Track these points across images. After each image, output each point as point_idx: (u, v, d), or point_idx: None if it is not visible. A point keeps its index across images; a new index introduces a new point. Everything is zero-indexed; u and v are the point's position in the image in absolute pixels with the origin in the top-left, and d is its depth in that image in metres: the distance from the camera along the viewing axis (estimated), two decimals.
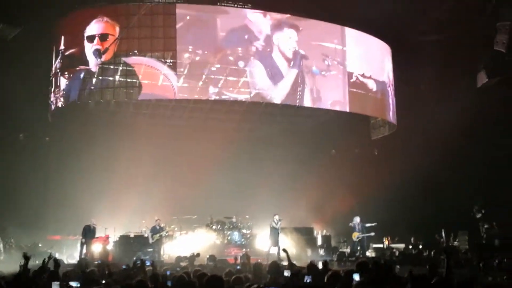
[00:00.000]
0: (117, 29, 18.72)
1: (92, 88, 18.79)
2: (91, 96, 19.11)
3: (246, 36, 19.76)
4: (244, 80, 19.39)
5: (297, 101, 20.20)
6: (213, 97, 19.45)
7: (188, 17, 19.18)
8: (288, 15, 20.41)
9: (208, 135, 21.85)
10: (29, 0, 18.04)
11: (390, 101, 22.62)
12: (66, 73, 19.23)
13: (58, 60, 19.47)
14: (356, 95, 21.17)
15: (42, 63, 19.50)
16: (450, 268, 6.41)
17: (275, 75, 19.69)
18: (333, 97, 21.05)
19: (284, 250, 10.27)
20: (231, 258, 16.09)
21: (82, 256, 16.55)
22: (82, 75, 18.82)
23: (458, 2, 20.34)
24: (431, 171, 20.56)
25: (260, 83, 19.58)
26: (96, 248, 17.23)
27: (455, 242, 18.55)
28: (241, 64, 19.43)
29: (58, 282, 6.82)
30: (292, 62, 20.05)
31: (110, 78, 18.67)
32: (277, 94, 19.89)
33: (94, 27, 18.90)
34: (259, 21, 19.98)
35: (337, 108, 21.22)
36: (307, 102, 20.46)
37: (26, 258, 7.96)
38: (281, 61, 19.96)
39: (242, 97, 19.69)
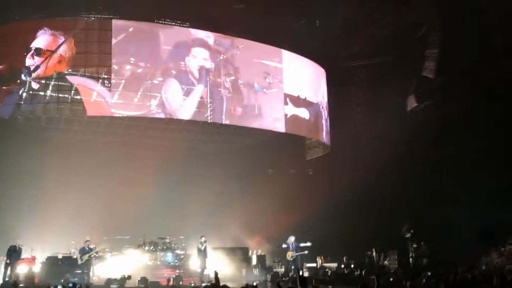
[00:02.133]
0: (56, 43, 18.17)
1: (22, 103, 18.10)
2: (21, 112, 18.37)
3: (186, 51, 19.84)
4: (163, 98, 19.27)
5: (209, 117, 20.04)
6: (148, 115, 19.21)
7: (130, 29, 19.03)
8: (228, 36, 20.57)
9: (143, 153, 21.52)
10: None
11: (324, 122, 23.12)
12: None
13: None
14: (292, 116, 21.50)
15: None
16: None
17: (187, 92, 19.67)
18: (274, 114, 21.25)
19: (215, 273, 10.18)
20: (163, 280, 15.83)
21: (6, 279, 15.77)
22: (12, 94, 18.12)
23: (388, 29, 21.19)
24: (364, 191, 21.13)
25: (173, 100, 19.47)
26: (22, 269, 16.45)
27: (385, 262, 19.00)
28: (162, 81, 19.32)
29: None
30: (199, 79, 19.98)
31: (41, 93, 18.07)
32: (185, 110, 19.73)
33: (36, 41, 18.26)
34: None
35: (278, 125, 21.35)
36: (231, 120, 20.47)
37: None
38: (191, 78, 19.92)
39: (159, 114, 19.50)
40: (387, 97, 22.50)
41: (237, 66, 20.65)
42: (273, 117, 21.26)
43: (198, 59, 19.98)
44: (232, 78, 20.52)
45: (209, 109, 19.86)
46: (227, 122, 20.47)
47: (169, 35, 19.75)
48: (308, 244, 18.57)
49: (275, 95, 21.30)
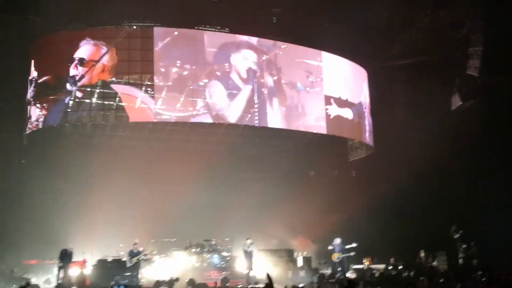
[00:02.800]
0: (100, 52, 18.57)
1: (69, 110, 18.56)
2: (68, 119, 18.85)
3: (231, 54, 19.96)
4: (208, 101, 19.41)
5: (256, 120, 20.06)
6: (191, 120, 19.42)
7: (176, 32, 19.32)
8: (269, 40, 20.64)
9: (186, 157, 21.75)
10: (3, 24, 17.89)
11: (367, 123, 22.91)
12: (40, 102, 18.90)
13: (32, 88, 19.17)
14: (334, 117, 21.37)
15: (17, 85, 19.25)
16: None
17: (232, 95, 19.73)
18: (317, 113, 21.15)
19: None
20: (210, 282, 15.95)
21: (59, 281, 16.18)
22: (57, 104, 18.58)
23: (432, 27, 20.93)
24: (409, 191, 20.83)
25: (219, 103, 19.57)
26: (73, 272, 16.86)
27: (434, 263, 18.66)
28: (207, 83, 19.47)
29: None
30: (246, 81, 20.02)
31: (87, 101, 18.50)
32: (233, 112, 19.76)
33: (79, 51, 18.70)
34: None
35: (321, 124, 21.28)
36: (275, 122, 20.44)
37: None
38: (239, 80, 19.96)
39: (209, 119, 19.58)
40: (430, 97, 22.21)
41: (279, 66, 20.67)
42: (316, 116, 21.12)
43: (248, 60, 20.12)
44: (275, 78, 20.55)
45: (256, 112, 19.94)
46: (273, 125, 20.45)
47: (213, 37, 19.98)
48: (354, 245, 18.40)
49: (317, 94, 21.21)
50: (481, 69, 20.78)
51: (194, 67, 19.32)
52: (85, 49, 18.80)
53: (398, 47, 22.39)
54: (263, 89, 20.21)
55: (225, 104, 19.56)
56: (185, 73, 19.20)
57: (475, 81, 21.22)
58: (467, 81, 21.57)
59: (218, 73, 19.63)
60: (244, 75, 19.98)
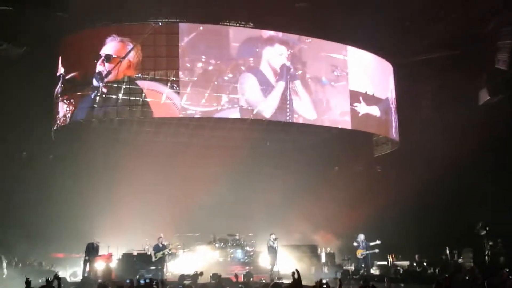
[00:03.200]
0: (125, 49, 18.77)
1: (95, 106, 18.86)
2: (94, 115, 19.14)
3: (256, 49, 19.99)
4: (238, 96, 19.49)
5: (288, 116, 20.11)
6: (215, 115, 19.51)
7: (201, 28, 19.50)
8: (293, 35, 20.57)
9: (211, 153, 21.91)
10: (32, 21, 18.19)
11: (393, 118, 22.69)
12: (67, 98, 19.29)
13: (59, 84, 19.54)
14: (360, 112, 21.21)
15: (45, 81, 19.59)
16: None
17: (265, 90, 19.77)
18: (342, 107, 21.04)
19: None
20: (234, 276, 16.04)
21: (86, 274, 16.47)
22: (84, 100, 18.93)
23: (458, 21, 20.57)
24: (435, 188, 20.56)
25: (252, 98, 19.64)
26: (99, 266, 17.14)
27: (460, 260, 18.43)
28: (232, 78, 19.53)
29: None
30: (280, 76, 20.04)
31: (113, 96, 18.75)
32: (266, 108, 19.82)
33: (106, 47, 18.97)
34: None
35: (346, 119, 21.14)
36: (302, 117, 20.41)
37: (28, 283, 8.03)
38: (270, 75, 19.98)
39: (235, 113, 19.67)
40: (456, 92, 21.87)
41: (304, 60, 20.59)
42: (341, 111, 21.00)
43: (283, 56, 20.19)
44: (300, 72, 20.50)
45: (287, 107, 19.94)
46: (300, 121, 20.48)
47: (238, 32, 20.00)
48: (378, 242, 18.32)
49: (343, 88, 21.07)
50: (510, 63, 20.40)
51: (219, 62, 19.42)
52: (111, 46, 19.07)
53: (424, 41, 22.04)
54: (291, 85, 20.15)
55: (259, 99, 19.59)
56: (210, 68, 19.33)
57: (503, 75, 20.84)
58: (495, 76, 21.19)
59: (243, 68, 19.68)
60: (278, 70, 20.00)
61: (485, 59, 21.13)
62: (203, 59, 19.28)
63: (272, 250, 17.56)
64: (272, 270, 17.18)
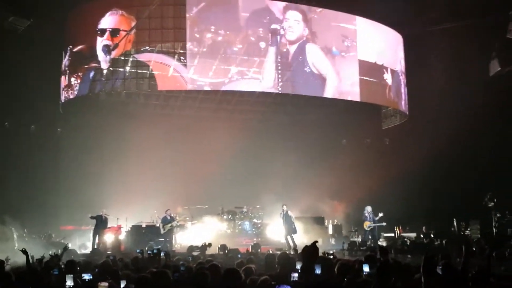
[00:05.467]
0: (131, 22, 18.62)
1: (103, 79, 18.81)
2: (102, 88, 19.12)
3: (264, 20, 19.63)
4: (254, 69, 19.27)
5: (292, 88, 19.99)
6: (223, 87, 19.40)
7: None
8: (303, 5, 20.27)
9: (218, 125, 21.88)
10: None
11: (402, 90, 22.46)
12: (74, 71, 19.24)
13: (67, 57, 19.48)
14: (368, 83, 20.99)
15: (53, 55, 19.54)
16: (467, 260, 6.22)
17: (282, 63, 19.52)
18: (352, 78, 20.71)
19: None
20: (242, 248, 16.17)
21: (95, 246, 16.69)
22: (91, 73, 18.84)
23: None
24: (442, 160, 20.47)
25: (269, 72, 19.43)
26: (108, 238, 17.35)
27: (467, 231, 18.46)
28: (262, 45, 19.29)
29: (72, 275, 6.84)
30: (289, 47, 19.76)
31: (121, 70, 18.67)
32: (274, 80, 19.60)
33: (106, 21, 18.79)
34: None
35: (356, 89, 20.81)
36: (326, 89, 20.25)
37: (25, 253, 8.14)
38: (278, 46, 19.64)
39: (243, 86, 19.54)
40: (467, 63, 21.53)
41: (314, 30, 20.20)
42: (352, 82, 20.66)
43: (293, 27, 19.79)
44: (310, 43, 20.20)
45: (291, 78, 19.74)
46: (308, 93, 20.34)
47: (247, 2, 19.59)
48: (381, 214, 18.27)
49: (353, 59, 20.74)
50: None
51: (228, 32, 19.15)
52: (118, 19, 18.88)
53: (435, 11, 21.64)
54: (300, 57, 19.90)
55: (273, 71, 19.39)
56: (220, 38, 19.05)
57: None
58: (506, 46, 20.82)
59: (252, 39, 19.39)
60: (287, 40, 19.72)
61: (497, 29, 20.72)
62: (212, 30, 19.02)
63: (288, 220, 17.42)
64: (288, 242, 17.12)
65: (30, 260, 8.51)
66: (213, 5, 19.14)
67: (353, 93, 20.83)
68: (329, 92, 20.51)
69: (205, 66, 18.84)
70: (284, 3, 19.85)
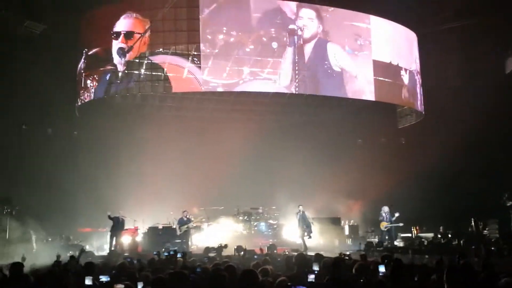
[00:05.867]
0: (145, 24, 18.71)
1: (118, 82, 18.93)
2: (117, 90, 19.25)
3: (278, 20, 19.59)
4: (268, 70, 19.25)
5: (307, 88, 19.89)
6: (237, 88, 19.39)
7: None
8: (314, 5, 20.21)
9: (233, 126, 21.93)
10: None
11: (418, 89, 22.30)
12: (90, 74, 19.38)
13: (82, 60, 19.63)
14: (384, 83, 20.88)
15: (69, 58, 19.73)
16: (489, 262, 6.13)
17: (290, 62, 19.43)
18: (366, 77, 20.59)
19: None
20: (258, 249, 16.17)
21: (112, 248, 16.79)
22: (107, 76, 18.98)
23: None
24: (459, 159, 20.29)
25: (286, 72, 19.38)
26: (126, 240, 17.46)
27: (485, 231, 18.26)
28: (274, 45, 19.25)
29: (90, 277, 6.90)
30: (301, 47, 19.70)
31: (136, 72, 18.78)
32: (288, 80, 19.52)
33: (121, 24, 18.92)
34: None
35: (371, 88, 20.66)
36: (325, 89, 20.19)
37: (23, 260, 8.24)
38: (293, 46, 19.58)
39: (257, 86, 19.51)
40: (483, 61, 21.35)
41: (327, 29, 20.14)
42: (366, 81, 20.55)
43: (306, 27, 19.75)
44: (323, 42, 20.09)
45: (307, 78, 19.69)
46: (322, 93, 20.32)
47: (258, 2, 19.55)
48: (397, 214, 18.14)
49: (366, 58, 20.64)
50: None
51: (240, 33, 19.14)
52: (132, 22, 19.00)
53: (449, 9, 21.47)
54: (315, 56, 19.81)
55: (290, 71, 19.35)
56: (232, 40, 19.09)
57: None
58: None
59: (264, 39, 19.37)
60: (307, 36, 19.69)
61: None
62: (224, 31, 19.05)
63: (305, 221, 17.39)
64: (304, 243, 17.11)
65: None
66: (224, 6, 19.16)
67: (368, 93, 20.72)
68: (344, 91, 20.43)
69: (218, 68, 18.88)
70: (296, 2, 19.81)
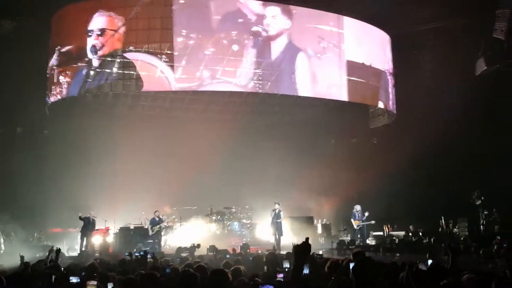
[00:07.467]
0: (118, 22, 18.49)
1: (90, 80, 18.65)
2: (89, 89, 18.96)
3: (240, 20, 19.41)
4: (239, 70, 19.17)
5: (268, 86, 19.65)
6: (208, 87, 19.21)
7: (181, 0, 18.94)
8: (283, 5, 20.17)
9: (206, 126, 21.87)
10: None
11: (390, 89, 22.54)
12: (63, 70, 19.04)
13: (54, 57, 19.28)
14: (356, 83, 21.03)
15: (39, 57, 19.35)
16: (454, 263, 6.21)
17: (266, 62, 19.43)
18: (329, 79, 20.61)
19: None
20: (231, 248, 16.15)
21: (83, 249, 16.58)
22: (80, 72, 18.65)
23: None
24: (430, 158, 20.60)
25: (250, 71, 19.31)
26: (96, 240, 17.25)
27: (455, 229, 18.57)
28: (235, 48, 19.08)
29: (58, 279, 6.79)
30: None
31: (108, 71, 18.54)
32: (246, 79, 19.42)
33: (94, 21, 18.62)
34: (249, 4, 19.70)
35: (334, 90, 20.73)
36: (302, 89, 20.16)
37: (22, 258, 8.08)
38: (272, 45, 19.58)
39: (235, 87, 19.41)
40: (455, 63, 21.66)
41: (294, 27, 19.94)
42: (329, 83, 20.57)
43: (270, 27, 19.63)
44: (286, 44, 19.91)
45: (271, 79, 19.64)
46: (285, 92, 20.20)
47: (219, 4, 19.34)
48: (366, 214, 18.40)
49: (330, 60, 20.69)
50: (508, 32, 20.14)
51: (200, 36, 18.94)
52: (105, 19, 18.73)
53: (422, 11, 21.73)
54: (276, 57, 19.77)
55: (251, 72, 19.25)
56: (191, 42, 18.79)
57: (501, 44, 20.59)
58: (492, 46, 20.95)
59: (225, 42, 19.14)
60: (272, 33, 19.60)
61: (484, 29, 20.86)
62: (184, 33, 18.78)
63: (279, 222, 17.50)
64: (278, 242, 17.17)
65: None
66: (185, 8, 18.93)
67: (340, 93, 20.83)
68: (316, 92, 20.51)
69: (188, 68, 18.71)
70: (260, 2, 19.76)
